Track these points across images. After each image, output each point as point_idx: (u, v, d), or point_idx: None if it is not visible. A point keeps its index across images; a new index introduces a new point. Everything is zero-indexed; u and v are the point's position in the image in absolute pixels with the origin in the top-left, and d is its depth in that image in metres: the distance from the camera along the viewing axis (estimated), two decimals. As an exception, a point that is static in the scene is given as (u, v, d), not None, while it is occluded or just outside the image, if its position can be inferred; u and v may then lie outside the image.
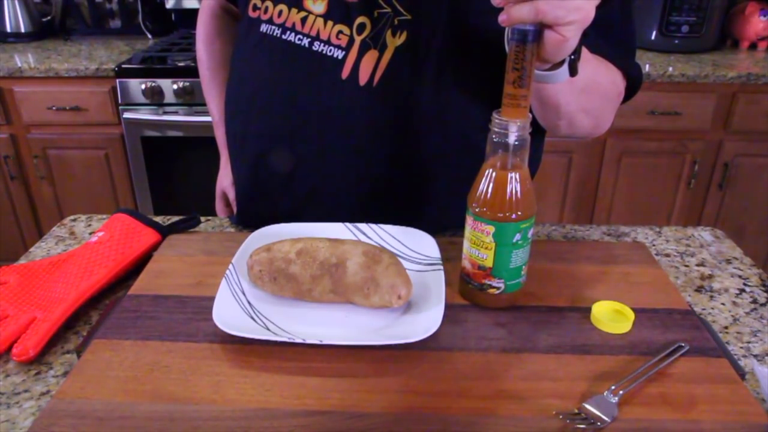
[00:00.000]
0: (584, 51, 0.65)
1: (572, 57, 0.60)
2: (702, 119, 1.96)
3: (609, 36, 0.73)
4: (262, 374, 0.56)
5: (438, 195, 0.83)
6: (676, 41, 2.12)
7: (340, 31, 0.74)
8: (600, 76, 0.73)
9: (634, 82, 0.78)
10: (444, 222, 0.85)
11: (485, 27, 0.73)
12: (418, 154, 0.79)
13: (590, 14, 0.55)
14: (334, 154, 0.79)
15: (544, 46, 0.56)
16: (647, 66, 1.94)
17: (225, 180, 1.00)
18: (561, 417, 0.51)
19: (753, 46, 2.21)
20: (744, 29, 2.18)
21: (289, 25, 0.77)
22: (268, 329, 0.61)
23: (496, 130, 0.59)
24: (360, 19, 0.74)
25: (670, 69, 1.92)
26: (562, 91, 0.68)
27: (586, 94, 0.71)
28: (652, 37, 2.14)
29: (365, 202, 0.82)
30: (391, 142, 0.78)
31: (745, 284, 0.75)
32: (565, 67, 0.61)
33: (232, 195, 0.99)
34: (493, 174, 0.61)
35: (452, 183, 0.79)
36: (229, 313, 0.62)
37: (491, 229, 0.61)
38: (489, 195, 0.61)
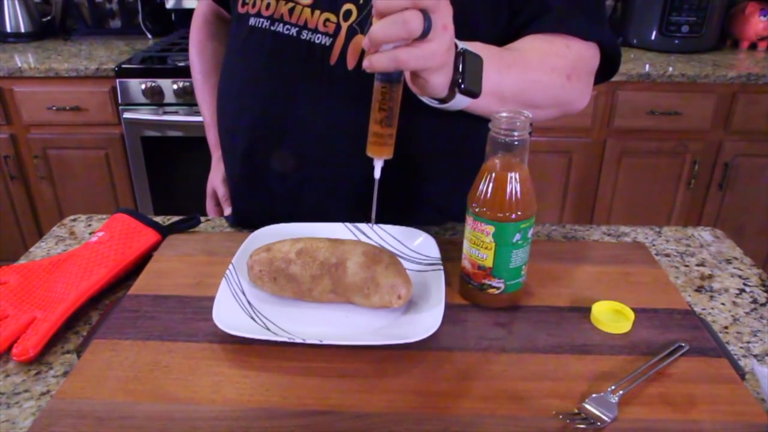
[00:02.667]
0: (523, 41, 0.64)
1: (461, 84, 0.60)
2: (702, 119, 1.97)
3: (573, 6, 0.73)
4: (262, 374, 0.56)
5: (437, 193, 0.83)
6: (676, 41, 2.12)
7: (327, 19, 0.74)
8: (537, 74, 0.71)
9: (609, 52, 0.77)
10: (443, 221, 0.85)
11: (478, 7, 0.72)
12: (411, 141, 0.78)
13: (444, 58, 0.56)
14: (326, 140, 0.78)
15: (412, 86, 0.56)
16: (647, 66, 1.94)
17: (215, 178, 1.01)
18: (561, 417, 0.51)
19: (753, 46, 2.21)
20: (744, 29, 2.18)
21: (277, 16, 0.77)
22: (268, 329, 0.61)
23: (496, 129, 0.59)
24: (346, 6, 0.74)
25: (670, 69, 1.92)
26: (491, 105, 0.66)
27: (522, 97, 0.70)
28: (652, 37, 2.14)
29: (359, 185, 0.81)
30: None
31: (745, 284, 0.75)
32: (460, 96, 0.61)
33: (221, 191, 0.99)
34: (493, 174, 0.61)
35: (452, 182, 0.78)
36: (229, 313, 0.62)
37: (491, 229, 0.61)
38: (489, 195, 0.61)
